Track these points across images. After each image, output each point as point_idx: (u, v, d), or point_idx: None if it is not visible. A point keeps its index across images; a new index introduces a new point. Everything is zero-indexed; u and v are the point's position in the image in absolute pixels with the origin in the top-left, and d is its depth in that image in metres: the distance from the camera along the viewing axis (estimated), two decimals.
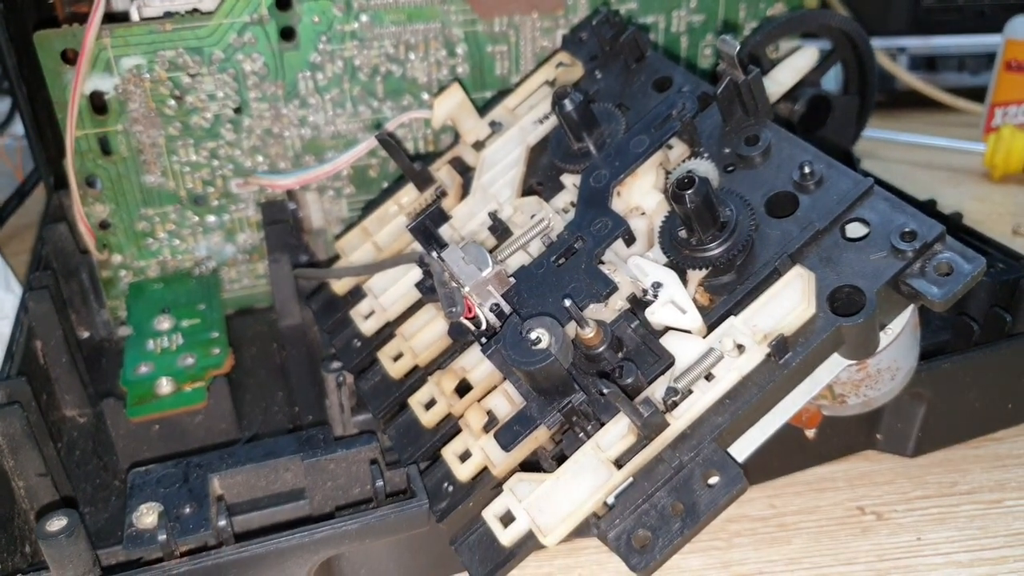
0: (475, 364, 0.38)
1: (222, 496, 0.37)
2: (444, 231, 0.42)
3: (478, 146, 0.46)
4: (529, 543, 0.33)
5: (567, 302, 0.33)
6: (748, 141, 0.37)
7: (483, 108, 0.48)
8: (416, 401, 0.39)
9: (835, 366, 0.34)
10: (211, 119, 0.49)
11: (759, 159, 0.37)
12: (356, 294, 0.45)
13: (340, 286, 0.46)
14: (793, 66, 0.41)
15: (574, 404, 0.33)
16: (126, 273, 0.52)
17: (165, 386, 0.44)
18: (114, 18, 0.47)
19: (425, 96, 0.52)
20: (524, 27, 0.51)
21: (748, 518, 0.42)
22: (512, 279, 0.38)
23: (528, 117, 0.45)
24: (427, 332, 0.41)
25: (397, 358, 0.41)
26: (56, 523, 0.32)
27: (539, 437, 0.34)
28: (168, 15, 0.47)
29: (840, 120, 0.57)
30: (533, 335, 0.33)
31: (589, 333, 0.33)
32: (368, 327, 0.43)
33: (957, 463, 0.45)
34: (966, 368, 0.43)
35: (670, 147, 0.39)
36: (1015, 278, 0.45)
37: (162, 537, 0.33)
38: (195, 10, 0.47)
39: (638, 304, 0.35)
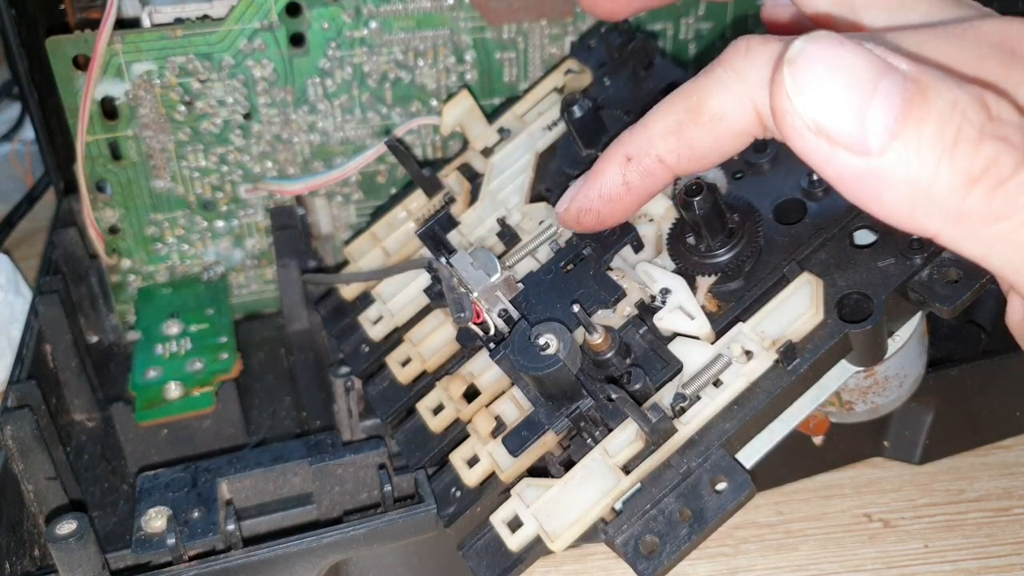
0: (483, 369, 0.38)
1: (231, 500, 0.37)
2: (453, 237, 0.43)
3: (487, 152, 0.46)
4: (537, 548, 0.33)
5: (575, 308, 0.33)
6: (756, 148, 0.37)
7: (492, 114, 0.48)
8: (424, 406, 0.39)
9: (843, 373, 0.34)
10: (220, 125, 0.49)
11: (767, 166, 0.37)
12: (364, 299, 0.45)
13: (348, 291, 0.46)
14: None
15: (582, 410, 0.33)
16: (135, 278, 0.53)
17: (174, 391, 0.44)
18: (125, 24, 0.47)
19: (434, 102, 0.52)
20: (533, 34, 0.51)
21: (755, 525, 0.42)
22: (520, 285, 0.38)
23: (537, 124, 0.45)
24: (435, 337, 0.41)
25: (405, 363, 0.41)
26: (65, 527, 0.32)
27: (547, 442, 0.34)
28: (179, 21, 0.47)
29: None
30: (541, 340, 0.33)
31: (597, 339, 0.33)
32: (376, 332, 0.43)
33: (965, 471, 0.44)
34: (974, 376, 0.43)
35: None
36: None
37: (171, 541, 0.33)
38: (206, 16, 0.48)
39: (646, 310, 0.35)
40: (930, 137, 0.23)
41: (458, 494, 0.36)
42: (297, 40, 0.48)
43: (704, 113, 0.29)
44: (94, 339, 0.53)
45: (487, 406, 0.37)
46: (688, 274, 0.35)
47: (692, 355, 0.33)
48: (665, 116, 0.31)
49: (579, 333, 0.34)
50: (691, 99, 0.30)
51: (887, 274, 0.32)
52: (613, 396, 0.31)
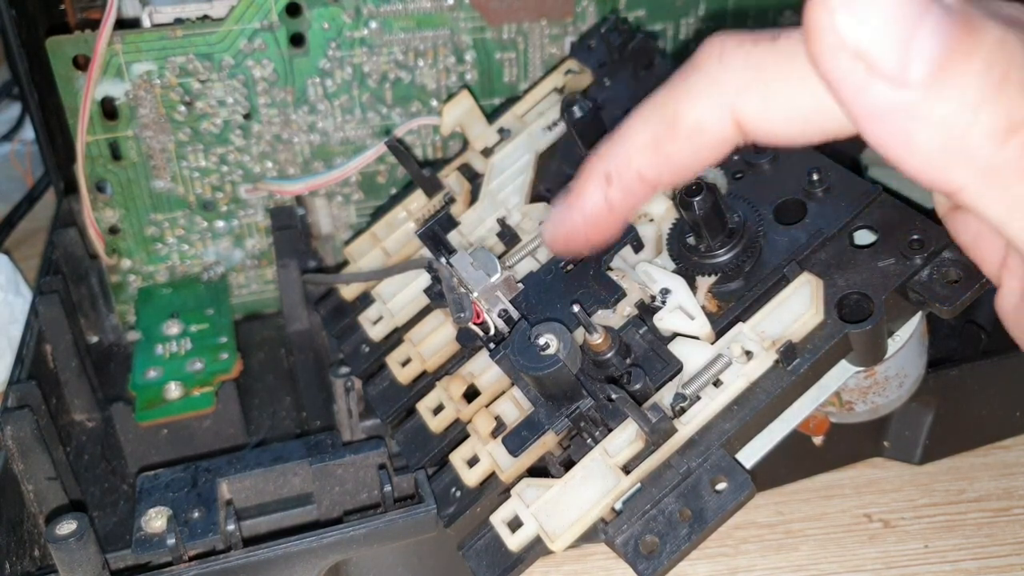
0: (483, 369, 0.38)
1: (231, 500, 0.37)
2: (453, 237, 0.42)
3: (487, 152, 0.46)
4: (537, 548, 0.33)
5: (575, 308, 0.33)
6: (757, 148, 0.37)
7: (492, 115, 0.48)
8: (424, 406, 0.39)
9: (843, 373, 0.34)
10: (221, 125, 0.49)
11: (768, 166, 0.37)
12: (364, 299, 0.45)
13: (348, 291, 0.46)
14: None
15: (582, 410, 0.33)
16: (135, 278, 0.53)
17: (174, 391, 0.44)
18: (125, 24, 0.47)
19: (434, 102, 0.52)
20: (533, 34, 0.51)
21: (755, 525, 0.42)
22: (520, 285, 0.38)
23: (537, 124, 0.45)
24: (435, 337, 0.41)
25: (405, 363, 0.41)
26: (65, 527, 0.32)
27: (547, 442, 0.34)
28: (179, 21, 0.47)
29: None
30: (541, 341, 0.33)
31: (597, 339, 0.33)
32: (376, 332, 0.43)
33: (965, 471, 0.44)
34: (974, 376, 0.43)
35: None
36: None
37: (171, 541, 0.33)
38: (206, 16, 0.48)
39: (646, 310, 0.35)
40: (976, 74, 0.22)
41: (458, 494, 0.36)
42: (297, 40, 0.48)
43: (681, 127, 0.27)
44: (94, 339, 0.53)
45: (487, 406, 0.37)
46: (688, 274, 0.35)
47: (692, 355, 0.33)
48: (641, 130, 0.29)
49: (579, 333, 0.34)
50: (666, 111, 0.28)
51: (887, 274, 0.32)
52: (613, 396, 0.31)
